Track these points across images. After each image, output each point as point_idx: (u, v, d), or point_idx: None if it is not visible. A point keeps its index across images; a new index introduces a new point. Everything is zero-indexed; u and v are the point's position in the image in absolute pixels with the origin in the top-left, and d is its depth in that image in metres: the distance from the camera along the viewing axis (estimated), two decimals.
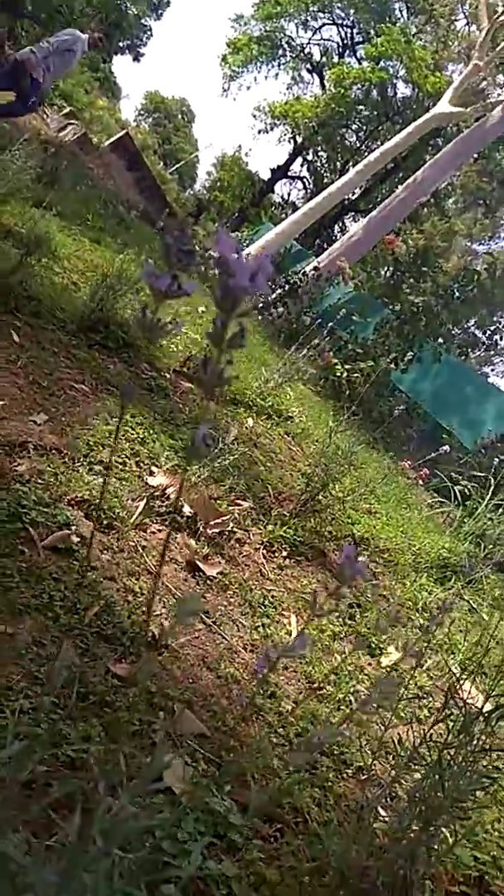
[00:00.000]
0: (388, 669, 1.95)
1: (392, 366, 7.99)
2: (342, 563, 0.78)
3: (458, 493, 4.58)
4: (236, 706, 1.49)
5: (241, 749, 1.41)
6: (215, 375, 0.56)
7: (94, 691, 1.27)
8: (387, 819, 1.27)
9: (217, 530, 2.16)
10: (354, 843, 1.17)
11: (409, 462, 5.55)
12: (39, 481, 1.76)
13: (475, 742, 1.12)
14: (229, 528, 2.22)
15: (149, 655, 1.41)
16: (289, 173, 28.92)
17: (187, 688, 1.46)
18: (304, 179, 29.48)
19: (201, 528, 2.11)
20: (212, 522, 2.16)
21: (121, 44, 27.77)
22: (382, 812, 1.28)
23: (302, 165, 28.93)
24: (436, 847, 1.14)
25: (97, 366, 2.71)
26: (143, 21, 27.44)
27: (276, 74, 27.69)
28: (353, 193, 23.04)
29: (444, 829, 1.14)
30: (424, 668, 2.17)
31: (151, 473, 2.19)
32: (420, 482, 5.37)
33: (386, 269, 22.00)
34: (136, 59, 28.18)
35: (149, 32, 28.32)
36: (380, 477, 3.96)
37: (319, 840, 1.25)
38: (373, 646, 2.15)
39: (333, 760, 1.53)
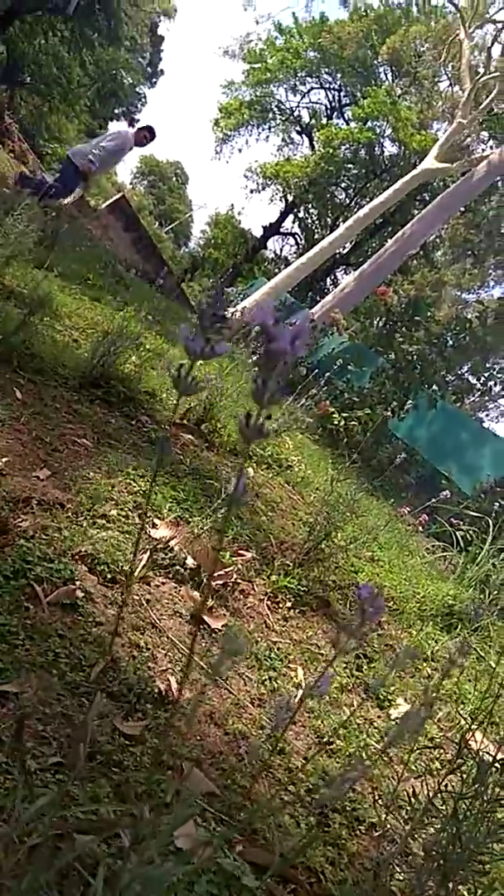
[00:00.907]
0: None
1: (389, 414, 8.07)
2: (362, 600, 0.79)
3: (459, 538, 4.56)
4: (245, 763, 1.47)
5: (252, 807, 1.38)
6: (256, 429, 0.61)
7: (102, 750, 1.25)
8: (403, 876, 1.24)
9: (221, 582, 2.15)
10: None
11: (407, 508, 5.53)
12: (43, 536, 1.77)
13: (490, 793, 1.10)
14: (233, 580, 2.21)
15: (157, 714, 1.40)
16: (281, 230, 29.66)
17: (195, 745, 1.44)
18: (296, 235, 30.22)
19: (205, 580, 2.11)
20: (215, 574, 2.16)
21: (116, 110, 28.91)
22: (398, 869, 1.25)
23: (293, 222, 29.71)
24: None
25: (99, 420, 2.74)
26: (137, 89, 28.62)
27: (267, 137, 28.73)
28: (344, 248, 23.60)
29: (461, 887, 1.11)
30: (435, 718, 2.14)
31: (154, 526, 2.19)
32: (420, 528, 5.34)
33: (379, 319, 22.32)
34: (131, 124, 29.28)
35: (143, 99, 29.53)
36: (382, 524, 3.95)
37: None
38: (381, 697, 2.12)
39: (346, 817, 1.49)
